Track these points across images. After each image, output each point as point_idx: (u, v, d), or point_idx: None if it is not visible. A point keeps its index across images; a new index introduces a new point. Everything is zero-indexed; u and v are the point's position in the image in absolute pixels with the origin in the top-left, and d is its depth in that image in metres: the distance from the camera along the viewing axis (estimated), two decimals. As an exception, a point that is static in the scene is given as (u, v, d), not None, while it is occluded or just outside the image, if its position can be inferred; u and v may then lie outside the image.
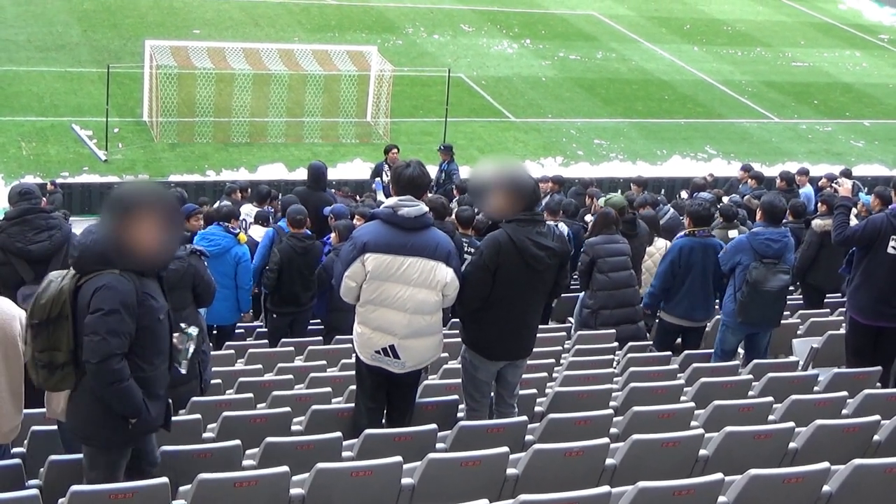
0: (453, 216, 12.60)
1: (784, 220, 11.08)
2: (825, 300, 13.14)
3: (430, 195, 11.97)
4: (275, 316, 11.77)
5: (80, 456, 6.19)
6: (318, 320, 12.27)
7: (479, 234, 11.66)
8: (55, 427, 6.76)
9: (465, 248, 11.21)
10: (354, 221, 11.54)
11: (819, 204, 13.92)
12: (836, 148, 31.50)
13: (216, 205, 13.95)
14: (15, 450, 6.69)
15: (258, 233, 13.03)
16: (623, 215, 12.55)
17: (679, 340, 10.98)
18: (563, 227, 12.83)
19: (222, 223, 11.46)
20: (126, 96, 28.34)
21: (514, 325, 7.34)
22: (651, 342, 11.18)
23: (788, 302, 11.23)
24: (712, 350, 10.45)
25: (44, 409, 6.73)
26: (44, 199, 19.71)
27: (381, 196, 18.70)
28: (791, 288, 12.13)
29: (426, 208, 7.11)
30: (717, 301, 10.85)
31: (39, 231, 7.87)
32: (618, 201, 12.73)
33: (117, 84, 27.60)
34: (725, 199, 18.04)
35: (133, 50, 30.73)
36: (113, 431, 5.88)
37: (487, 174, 8.07)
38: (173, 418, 7.31)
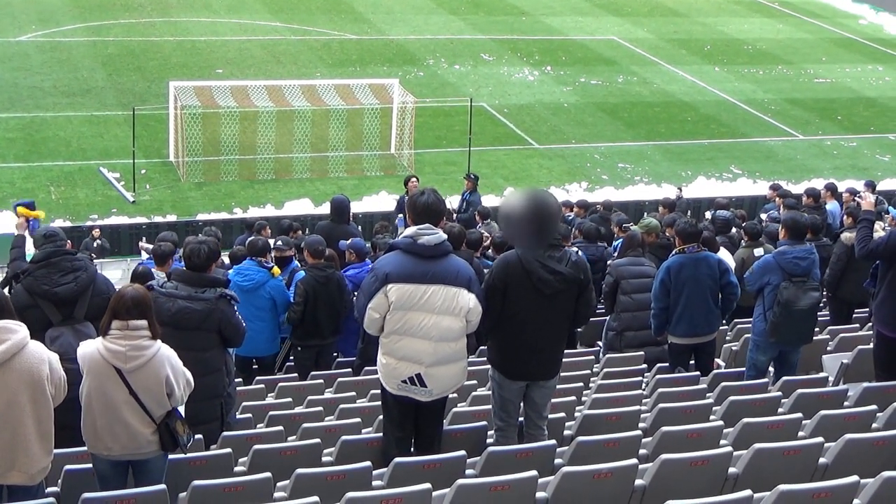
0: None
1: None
2: (853, 314, 13.08)
3: (447, 222, 12.02)
4: (299, 349, 11.84)
5: (113, 493, 6.25)
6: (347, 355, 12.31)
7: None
8: (88, 466, 6.83)
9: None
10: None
11: (845, 217, 13.87)
12: (861, 163, 31.38)
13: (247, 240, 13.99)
14: (49, 489, 6.76)
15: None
16: (657, 239, 12.62)
17: (693, 361, 10.90)
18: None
19: (255, 258, 11.56)
20: (152, 137, 28.59)
21: (530, 346, 7.40)
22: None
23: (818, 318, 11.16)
24: (743, 369, 10.45)
25: (77, 449, 6.80)
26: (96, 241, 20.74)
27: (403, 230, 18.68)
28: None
29: (445, 236, 7.17)
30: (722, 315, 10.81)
31: (65, 273, 7.92)
32: (653, 226, 12.86)
33: (143, 126, 27.86)
34: (764, 217, 17.99)
35: (157, 91, 31.05)
36: None
37: (511, 200, 8.09)
38: (203, 454, 7.34)
